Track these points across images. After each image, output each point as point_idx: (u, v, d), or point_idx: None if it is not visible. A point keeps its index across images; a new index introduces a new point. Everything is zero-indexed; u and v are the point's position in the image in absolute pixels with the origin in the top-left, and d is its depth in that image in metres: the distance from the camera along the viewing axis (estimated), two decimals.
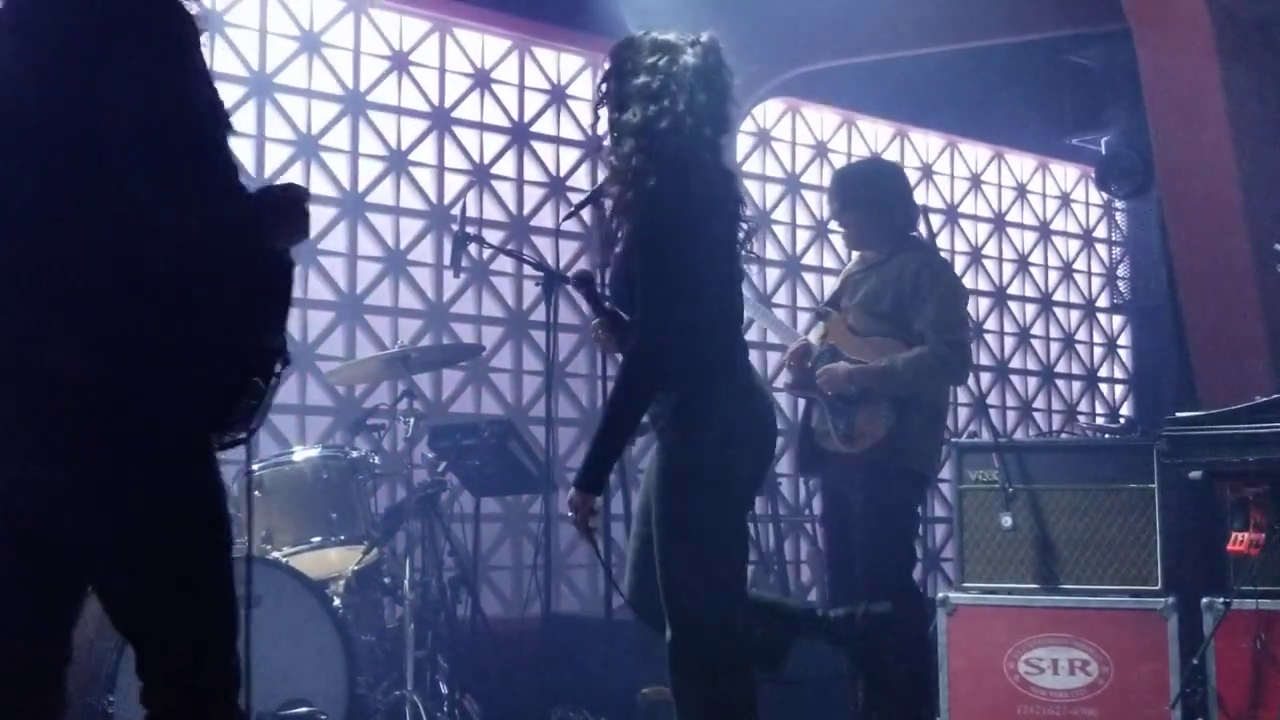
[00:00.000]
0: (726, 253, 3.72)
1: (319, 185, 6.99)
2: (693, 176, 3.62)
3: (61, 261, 2.30)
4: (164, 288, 2.32)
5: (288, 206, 2.52)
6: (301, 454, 5.46)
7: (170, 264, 2.32)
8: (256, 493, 5.27)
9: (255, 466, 5.37)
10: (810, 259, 8.89)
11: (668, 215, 3.57)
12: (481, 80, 7.63)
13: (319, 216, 7.02)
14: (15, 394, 2.34)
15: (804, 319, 8.55)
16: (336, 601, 5.16)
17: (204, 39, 2.41)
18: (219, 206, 2.35)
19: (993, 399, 9.84)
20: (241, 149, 6.86)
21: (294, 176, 6.91)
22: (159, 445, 2.40)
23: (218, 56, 6.60)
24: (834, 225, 5.52)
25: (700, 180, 3.64)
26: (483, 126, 7.63)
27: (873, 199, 5.15)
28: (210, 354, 2.41)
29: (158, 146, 2.29)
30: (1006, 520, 5.58)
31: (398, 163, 7.26)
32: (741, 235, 3.76)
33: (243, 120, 6.78)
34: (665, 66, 3.67)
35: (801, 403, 5.61)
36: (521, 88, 7.83)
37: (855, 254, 5.40)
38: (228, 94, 6.78)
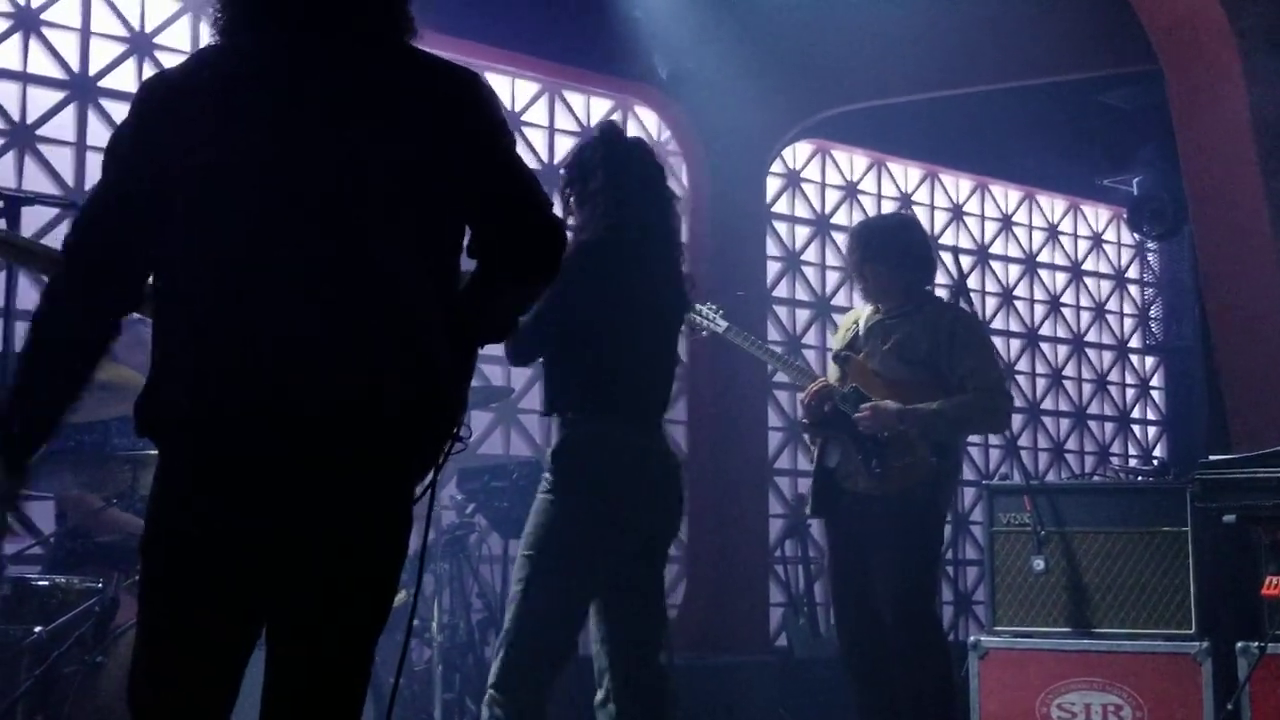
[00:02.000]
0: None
1: None
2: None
3: (416, 305, 2.39)
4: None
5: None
6: None
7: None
8: None
9: None
10: (840, 300, 8.88)
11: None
12: (512, 123, 7.65)
13: None
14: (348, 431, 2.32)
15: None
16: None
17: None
18: None
19: (1024, 440, 9.79)
20: None
21: None
22: (406, 490, 2.44)
23: None
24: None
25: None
26: None
27: (898, 252, 5.19)
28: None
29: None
30: (1039, 563, 5.54)
31: None
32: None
33: None
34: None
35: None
36: (551, 130, 7.86)
37: (868, 303, 5.42)
38: None
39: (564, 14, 7.42)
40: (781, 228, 8.80)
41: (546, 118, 7.86)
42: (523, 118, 7.74)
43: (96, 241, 2.44)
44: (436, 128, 2.41)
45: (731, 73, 7.72)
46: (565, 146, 7.89)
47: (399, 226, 2.36)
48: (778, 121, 8.25)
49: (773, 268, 8.67)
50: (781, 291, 8.76)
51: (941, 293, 8.73)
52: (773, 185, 8.69)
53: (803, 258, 8.90)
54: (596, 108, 8.06)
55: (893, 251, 5.19)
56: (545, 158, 7.80)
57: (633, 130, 8.14)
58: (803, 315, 8.85)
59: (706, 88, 7.79)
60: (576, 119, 7.97)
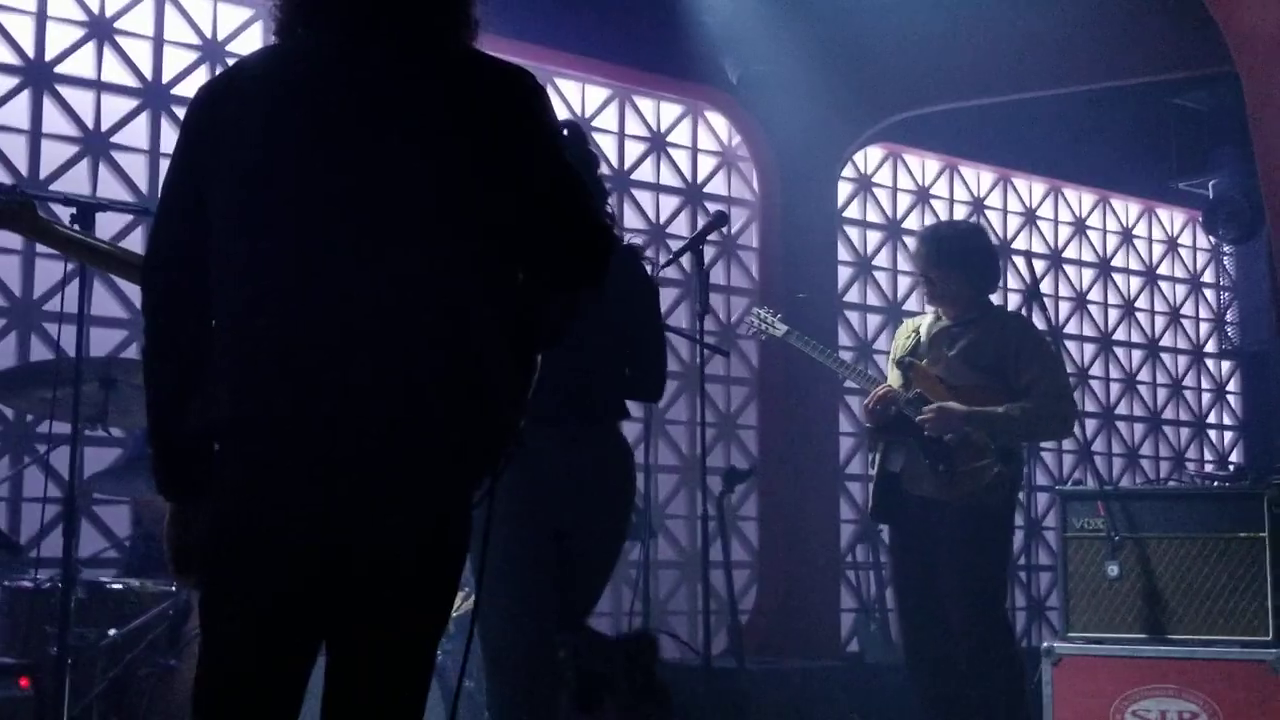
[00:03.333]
0: None
1: None
2: None
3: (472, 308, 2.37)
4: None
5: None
6: None
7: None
8: None
9: None
10: (912, 304, 8.83)
11: None
12: (582, 128, 7.68)
13: None
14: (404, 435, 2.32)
15: None
16: (439, 655, 5.17)
17: None
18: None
19: (1099, 446, 9.70)
20: None
21: None
22: (461, 496, 2.41)
23: None
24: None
25: None
26: None
27: (965, 260, 5.20)
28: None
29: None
30: (1113, 569, 5.49)
31: None
32: None
33: None
34: None
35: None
36: (621, 135, 7.89)
37: (930, 310, 5.41)
38: None
39: (634, 19, 7.44)
40: (853, 233, 8.77)
41: (617, 123, 7.89)
42: (593, 123, 7.76)
43: (163, 259, 2.48)
44: (485, 132, 2.37)
45: (801, 77, 7.71)
46: (636, 152, 7.92)
47: (444, 232, 2.34)
48: (848, 126, 8.23)
49: (844, 273, 8.64)
50: (853, 297, 8.73)
51: (1015, 297, 8.75)
52: (844, 190, 8.66)
53: (874, 263, 8.86)
54: (666, 113, 8.07)
55: (960, 258, 5.20)
56: (616, 163, 7.83)
57: (703, 136, 8.17)
58: (874, 320, 8.81)
59: (776, 92, 7.78)
60: (647, 124, 7.99)
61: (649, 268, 4.08)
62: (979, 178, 9.43)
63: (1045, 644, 5.57)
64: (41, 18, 6.14)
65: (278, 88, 2.41)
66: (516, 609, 3.77)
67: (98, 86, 6.27)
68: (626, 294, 3.84)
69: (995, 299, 5.41)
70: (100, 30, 6.28)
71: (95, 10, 6.28)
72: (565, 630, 3.80)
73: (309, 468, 2.29)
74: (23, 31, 6.10)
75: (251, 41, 6.66)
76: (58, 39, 6.19)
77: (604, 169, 7.65)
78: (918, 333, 5.32)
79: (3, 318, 5.98)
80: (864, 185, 8.86)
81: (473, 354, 2.34)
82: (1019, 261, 8.67)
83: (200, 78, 6.49)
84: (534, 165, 2.40)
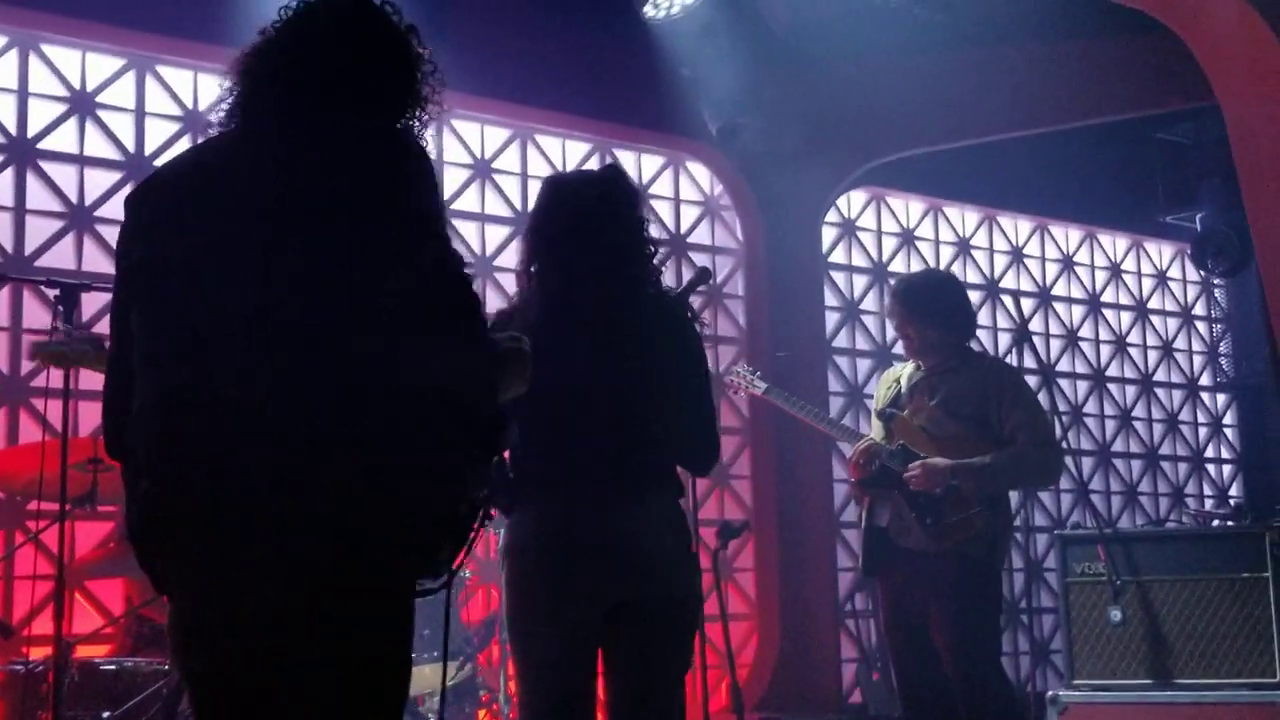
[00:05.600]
0: None
1: None
2: None
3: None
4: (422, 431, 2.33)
5: (514, 357, 2.53)
6: None
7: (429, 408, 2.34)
8: None
9: None
10: (900, 348, 8.77)
11: None
12: None
13: None
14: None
15: None
16: (431, 718, 5.11)
17: None
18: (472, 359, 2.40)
19: (1096, 484, 9.63)
20: None
21: None
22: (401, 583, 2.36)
23: None
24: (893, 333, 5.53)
25: None
26: None
27: (940, 311, 5.16)
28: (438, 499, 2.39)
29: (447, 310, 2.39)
30: (1116, 614, 5.44)
31: (484, 268, 7.29)
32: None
33: None
34: None
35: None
36: None
37: (911, 360, 5.36)
38: None
39: (612, 73, 7.44)
40: (839, 277, 8.73)
41: None
42: None
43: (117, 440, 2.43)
44: (367, 210, 2.34)
45: (783, 125, 7.70)
46: None
47: (353, 306, 2.30)
48: (831, 171, 8.21)
49: (831, 318, 8.60)
50: (841, 341, 8.68)
51: (1005, 337, 8.72)
52: (828, 235, 8.64)
53: (861, 307, 8.82)
54: (648, 165, 8.04)
55: (935, 309, 5.17)
56: None
57: (684, 187, 8.14)
58: (864, 365, 8.76)
59: (758, 141, 7.76)
60: None
61: (701, 330, 3.73)
62: (964, 218, 9.41)
63: (1050, 692, 5.50)
64: (23, 94, 6.13)
65: (190, 182, 2.42)
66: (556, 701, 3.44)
67: (80, 161, 6.24)
68: (674, 354, 3.53)
69: (985, 338, 5.37)
70: (82, 106, 6.26)
71: (76, 86, 6.26)
72: None
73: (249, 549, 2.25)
74: (5, 109, 6.09)
75: None
76: (40, 114, 6.17)
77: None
78: (899, 382, 5.29)
79: None
80: (848, 229, 8.83)
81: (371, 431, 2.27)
82: (1007, 301, 8.62)
83: (182, 147, 6.45)
84: (415, 239, 2.37)
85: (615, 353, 3.46)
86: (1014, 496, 5.31)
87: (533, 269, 3.57)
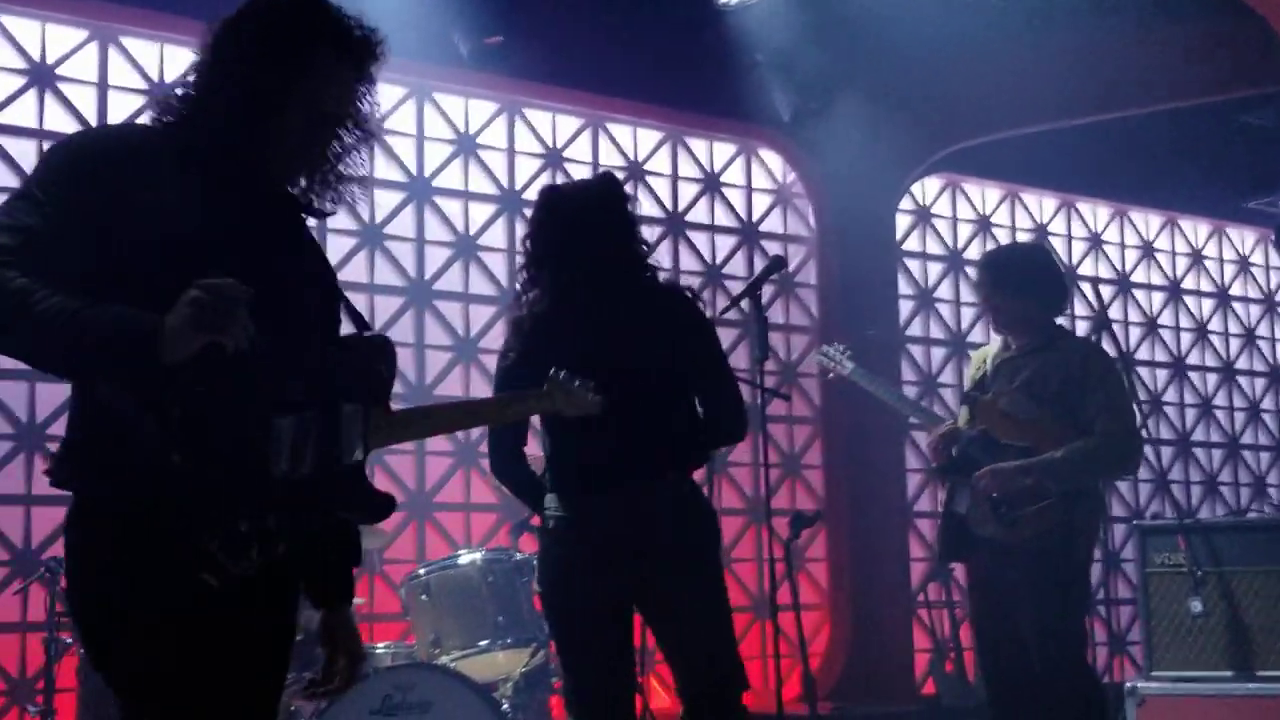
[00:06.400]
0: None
1: (475, 283, 7.09)
2: None
3: None
4: None
5: None
6: (467, 557, 5.47)
7: None
8: (423, 597, 5.28)
9: (422, 571, 5.40)
10: (976, 336, 8.69)
11: None
12: (635, 172, 7.64)
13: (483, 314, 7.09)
14: None
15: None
16: (505, 704, 5.13)
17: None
18: None
19: (1176, 474, 9.49)
20: (404, 250, 6.96)
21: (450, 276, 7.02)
22: None
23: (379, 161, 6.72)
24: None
25: None
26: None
27: (1027, 283, 5.01)
28: None
29: None
30: (1196, 605, 5.33)
31: None
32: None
33: (402, 224, 6.93)
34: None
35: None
36: (675, 178, 7.82)
37: (998, 338, 5.26)
38: (388, 198, 6.92)
39: (684, 60, 7.39)
40: (913, 265, 8.66)
41: (669, 166, 7.83)
42: (646, 166, 7.71)
43: None
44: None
45: (856, 111, 7.63)
46: (689, 194, 7.86)
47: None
48: (905, 158, 8.13)
49: (905, 306, 8.52)
50: (915, 330, 8.60)
51: (1083, 325, 8.59)
52: (902, 222, 8.56)
53: (936, 295, 8.74)
54: (720, 153, 8.01)
55: (1023, 280, 5.02)
56: (670, 206, 7.77)
57: (757, 175, 8.09)
58: (938, 354, 8.68)
59: (831, 127, 7.71)
60: (700, 165, 7.93)
61: (704, 308, 3.94)
62: (1041, 204, 9.29)
63: (1129, 684, 5.41)
64: None
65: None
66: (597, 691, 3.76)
67: (40, 135, 6.09)
68: (677, 338, 3.77)
69: (1063, 325, 5.24)
70: (41, 77, 6.14)
71: (36, 57, 6.15)
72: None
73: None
74: None
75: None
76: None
77: (656, 212, 7.64)
78: (985, 363, 5.17)
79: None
80: (923, 217, 8.74)
81: None
82: (1085, 288, 8.50)
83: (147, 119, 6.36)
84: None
85: (613, 346, 3.71)
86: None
87: (534, 274, 3.79)
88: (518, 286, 3.90)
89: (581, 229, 3.74)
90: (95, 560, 2.27)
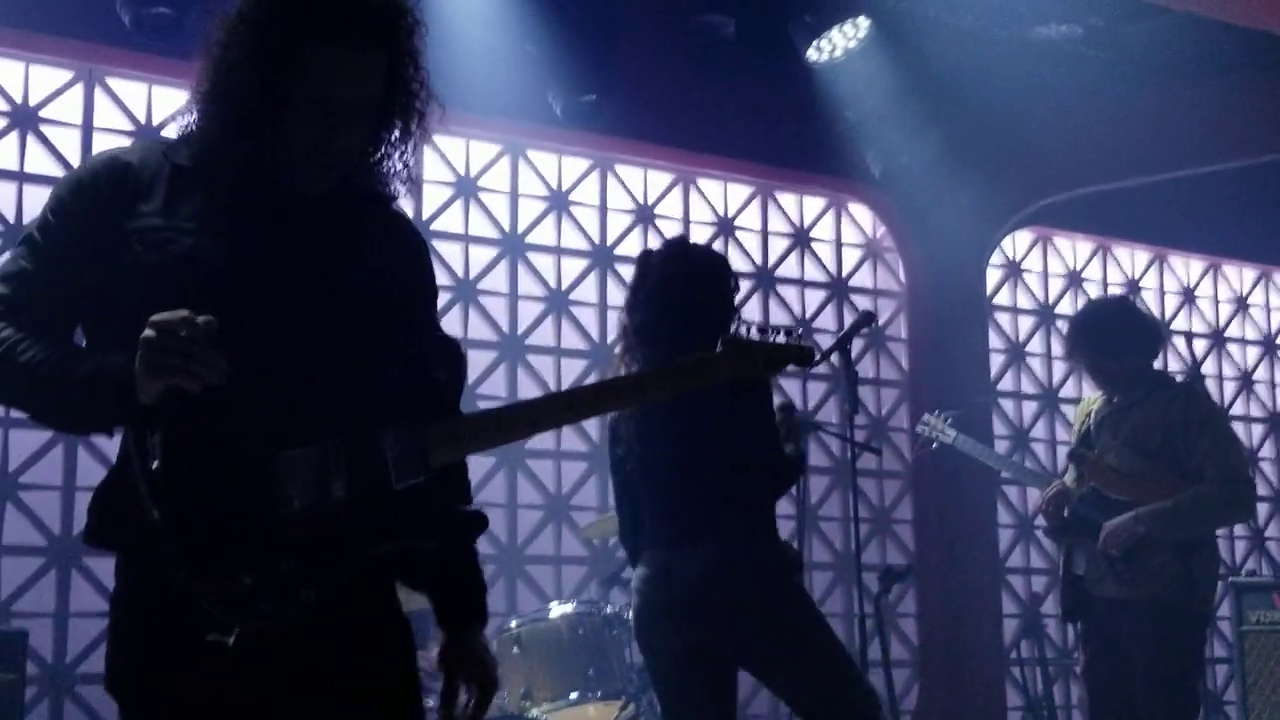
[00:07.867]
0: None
1: (568, 338, 7.15)
2: None
3: None
4: None
5: None
6: (557, 610, 5.50)
7: None
8: (515, 649, 5.32)
9: (513, 623, 5.44)
10: (1068, 390, 8.64)
11: None
12: (725, 228, 7.70)
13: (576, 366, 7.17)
14: None
15: (1063, 453, 8.29)
16: None
17: None
18: None
19: (1272, 531, 9.32)
20: (497, 305, 7.05)
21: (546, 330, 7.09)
22: None
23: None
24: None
25: None
26: None
27: (1120, 342, 5.00)
28: None
29: None
30: None
31: None
32: None
33: (496, 278, 7.04)
34: None
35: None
36: (765, 233, 7.87)
37: (1097, 392, 5.23)
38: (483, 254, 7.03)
39: (775, 116, 7.46)
40: (1004, 319, 8.63)
41: (759, 221, 7.88)
42: (736, 221, 7.77)
43: None
44: None
45: (946, 166, 7.64)
46: (779, 249, 7.90)
47: None
48: (996, 212, 8.13)
49: (996, 360, 8.49)
50: (1007, 384, 8.57)
51: (1176, 379, 8.50)
52: (993, 276, 8.54)
53: (1027, 349, 8.70)
54: (810, 208, 8.05)
55: (1116, 340, 5.02)
56: (759, 261, 7.81)
57: (846, 229, 8.12)
58: (1029, 408, 8.63)
59: (921, 181, 7.73)
60: (790, 220, 7.97)
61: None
62: (1133, 258, 9.23)
63: None
64: None
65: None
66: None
67: (20, 178, 6.09)
68: (729, 399, 3.75)
69: (1162, 372, 5.16)
70: (24, 119, 6.12)
71: (18, 99, 6.11)
72: None
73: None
74: None
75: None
76: None
77: (746, 267, 7.69)
78: (1089, 418, 5.15)
79: None
80: (1013, 271, 8.72)
81: None
82: (1179, 342, 8.44)
83: None
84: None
85: (677, 414, 3.77)
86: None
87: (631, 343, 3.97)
88: (616, 351, 4.03)
89: (684, 307, 3.85)
90: (113, 622, 2.21)
